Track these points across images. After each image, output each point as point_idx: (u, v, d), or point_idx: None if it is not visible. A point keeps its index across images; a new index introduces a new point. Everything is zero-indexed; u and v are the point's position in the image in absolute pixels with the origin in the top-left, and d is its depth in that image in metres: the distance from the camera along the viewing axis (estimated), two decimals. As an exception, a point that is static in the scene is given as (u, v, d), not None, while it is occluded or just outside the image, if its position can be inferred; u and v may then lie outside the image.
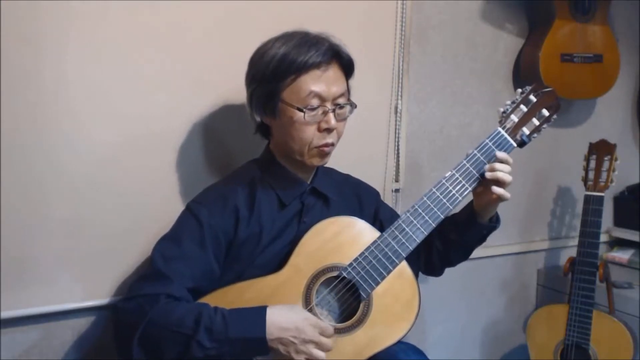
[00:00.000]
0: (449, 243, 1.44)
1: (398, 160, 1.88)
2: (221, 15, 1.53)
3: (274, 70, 1.24)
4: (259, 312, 1.16)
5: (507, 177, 1.29)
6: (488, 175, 1.28)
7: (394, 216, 1.49)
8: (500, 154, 1.30)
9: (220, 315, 1.15)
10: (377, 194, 1.56)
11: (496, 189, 1.29)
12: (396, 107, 1.85)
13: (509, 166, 1.30)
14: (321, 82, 1.24)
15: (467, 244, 1.45)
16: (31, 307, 1.40)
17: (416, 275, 1.32)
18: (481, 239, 1.44)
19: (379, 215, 1.49)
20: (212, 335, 1.12)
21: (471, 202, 1.39)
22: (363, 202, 1.49)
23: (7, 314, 1.37)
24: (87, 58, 1.39)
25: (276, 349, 1.16)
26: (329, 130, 1.28)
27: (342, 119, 1.31)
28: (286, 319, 1.16)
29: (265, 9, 1.57)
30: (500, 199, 1.30)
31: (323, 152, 1.30)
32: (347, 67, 1.31)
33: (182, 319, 1.13)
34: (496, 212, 1.40)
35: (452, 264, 1.51)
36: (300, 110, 1.24)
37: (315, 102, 1.25)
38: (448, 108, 1.99)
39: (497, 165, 1.29)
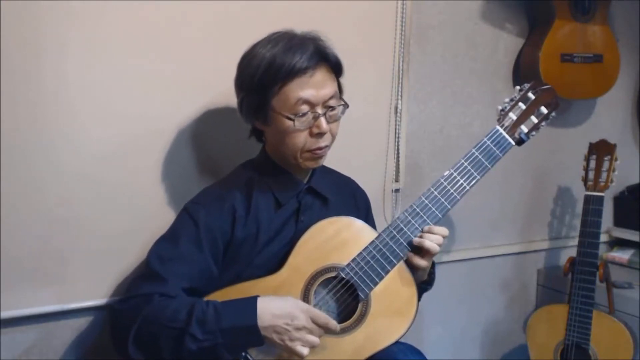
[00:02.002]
0: None
1: (398, 160, 1.88)
2: (221, 15, 1.53)
3: (260, 79, 1.22)
4: (250, 301, 1.17)
5: (433, 247, 1.26)
6: (415, 241, 1.27)
7: None
8: (434, 228, 1.28)
9: (213, 307, 1.15)
10: (369, 206, 1.55)
11: (417, 260, 1.28)
12: (396, 107, 1.85)
13: (440, 237, 1.28)
14: (309, 87, 1.22)
15: None
16: (31, 307, 1.40)
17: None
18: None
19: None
20: (205, 327, 1.12)
21: None
22: (359, 204, 1.50)
23: (7, 314, 1.37)
24: (87, 58, 1.39)
25: (270, 338, 1.15)
26: (320, 135, 1.27)
27: (334, 120, 1.29)
28: (277, 306, 1.17)
29: (265, 10, 1.57)
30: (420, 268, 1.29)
31: (316, 155, 1.29)
32: (335, 68, 1.29)
33: (175, 314, 1.14)
34: (433, 274, 1.38)
35: None
36: (290, 119, 1.23)
37: (304, 108, 1.23)
38: (448, 108, 1.99)
39: (427, 234, 1.27)
